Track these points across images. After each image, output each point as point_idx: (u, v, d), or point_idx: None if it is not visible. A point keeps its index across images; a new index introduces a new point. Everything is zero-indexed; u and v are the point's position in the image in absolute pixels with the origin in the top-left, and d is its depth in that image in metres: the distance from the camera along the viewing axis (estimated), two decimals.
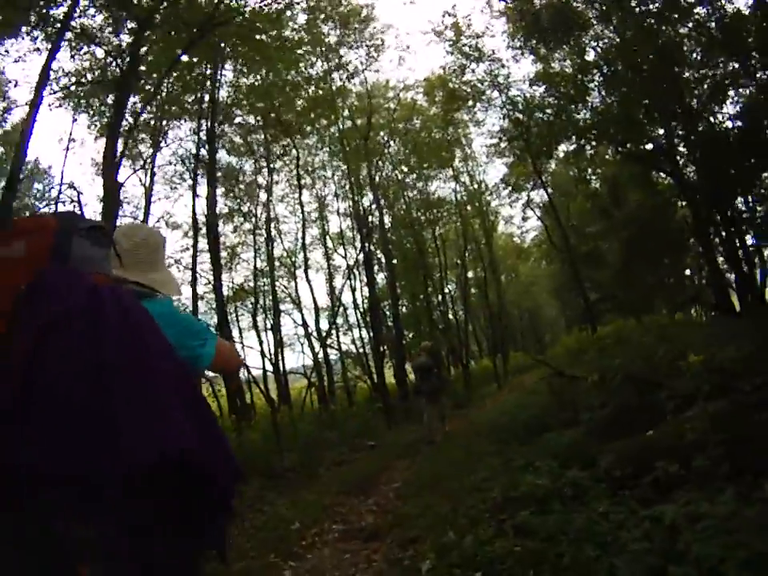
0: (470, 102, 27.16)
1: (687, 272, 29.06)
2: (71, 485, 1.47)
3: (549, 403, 10.60)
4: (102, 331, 1.62)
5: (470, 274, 39.10)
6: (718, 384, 6.63)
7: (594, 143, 23.81)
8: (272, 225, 26.78)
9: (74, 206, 14.23)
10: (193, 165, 20.77)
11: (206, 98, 19.90)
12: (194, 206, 20.29)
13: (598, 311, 28.86)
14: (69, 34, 14.44)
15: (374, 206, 26.44)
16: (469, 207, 35.79)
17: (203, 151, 20.61)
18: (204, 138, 20.35)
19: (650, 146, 21.75)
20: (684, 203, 22.66)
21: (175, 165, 22.33)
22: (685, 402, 6.77)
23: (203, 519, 1.77)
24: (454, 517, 5.94)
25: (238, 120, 23.23)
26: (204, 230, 21.05)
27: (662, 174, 23.20)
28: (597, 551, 3.89)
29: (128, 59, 13.20)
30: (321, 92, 24.05)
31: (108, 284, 1.84)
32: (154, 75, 15.53)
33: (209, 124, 19.94)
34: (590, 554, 3.87)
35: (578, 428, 7.92)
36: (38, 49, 13.97)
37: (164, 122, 20.62)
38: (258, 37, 18.03)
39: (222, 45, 18.50)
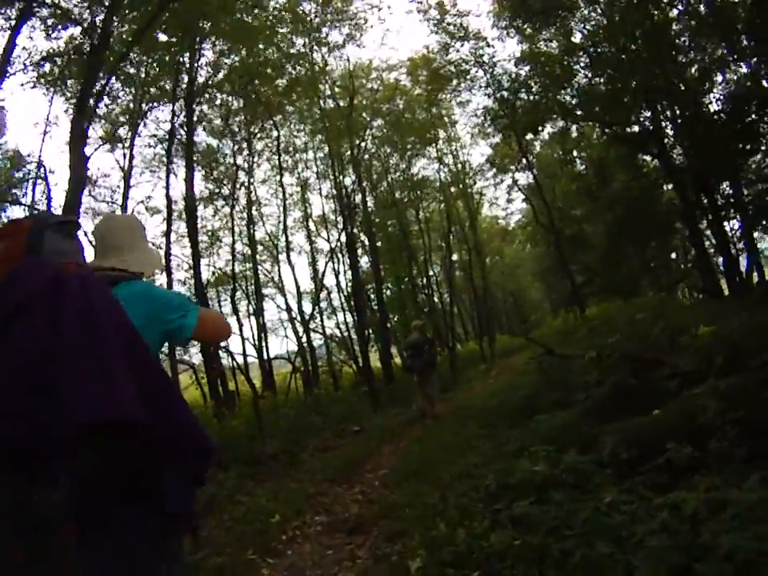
0: (454, 82, 26.83)
1: (673, 255, 29.09)
2: (24, 448, 1.61)
3: (539, 384, 10.16)
4: (60, 312, 1.75)
5: (455, 257, 38.86)
6: (725, 360, 6.21)
7: (579, 123, 23.65)
8: (253, 208, 26.44)
9: (44, 184, 13.75)
10: (167, 146, 20.10)
11: (185, 78, 19.24)
12: (167, 187, 19.67)
13: (583, 294, 28.59)
14: (45, 11, 13.95)
15: (356, 187, 25.92)
16: (453, 189, 35.37)
17: (183, 132, 20.03)
18: (183, 119, 19.74)
19: (636, 128, 21.59)
20: (670, 186, 22.64)
21: (154, 147, 21.71)
22: (688, 379, 6.37)
23: (166, 486, 1.87)
24: (444, 507, 5.49)
25: (218, 101, 22.61)
26: (182, 214, 20.67)
27: (648, 156, 23.05)
28: (610, 547, 3.43)
29: (99, 33, 12.59)
30: (302, 70, 23.45)
31: (76, 271, 1.95)
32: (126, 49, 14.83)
33: (187, 105, 19.30)
34: (602, 550, 3.42)
35: (572, 409, 7.46)
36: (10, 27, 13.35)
37: (143, 105, 20.03)
38: (237, 16, 17.71)
39: (201, 23, 17.95)
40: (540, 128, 22.26)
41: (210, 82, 20.85)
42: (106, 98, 18.29)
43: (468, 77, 26.11)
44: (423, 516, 5.55)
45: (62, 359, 1.68)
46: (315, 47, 24.13)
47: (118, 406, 1.67)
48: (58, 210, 12.65)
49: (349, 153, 25.48)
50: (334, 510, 7.23)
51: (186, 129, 19.60)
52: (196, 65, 19.56)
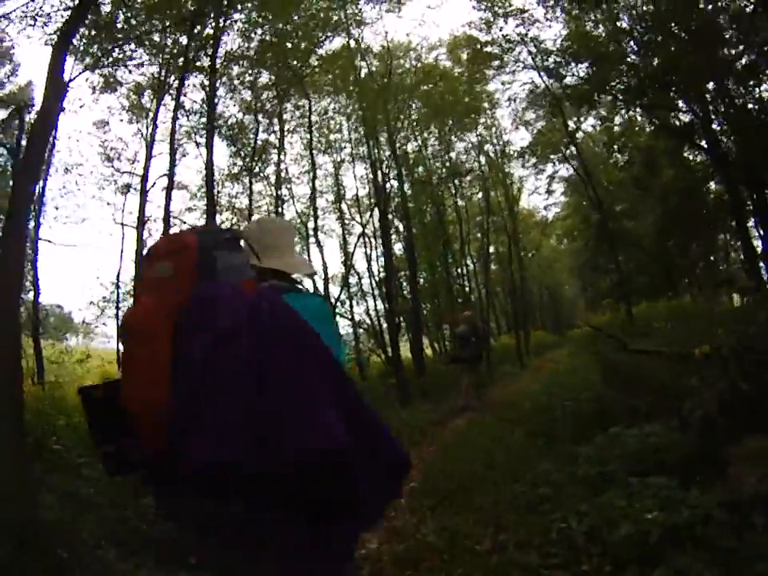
0: (496, 63, 25.73)
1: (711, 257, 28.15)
2: (231, 472, 1.65)
3: (604, 385, 8.30)
4: (262, 342, 1.78)
5: (491, 248, 37.53)
6: None
7: (627, 106, 22.44)
8: (283, 186, 25.26)
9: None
10: (172, 117, 18.91)
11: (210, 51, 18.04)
12: (172, 161, 18.33)
13: (619, 293, 27.10)
14: None
15: (392, 168, 24.80)
16: (490, 179, 34.03)
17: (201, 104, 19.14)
18: (206, 92, 18.62)
19: (685, 119, 20.98)
20: (717, 182, 22.19)
21: (178, 119, 20.50)
22: None
23: (358, 505, 1.85)
24: (503, 562, 3.75)
25: (248, 75, 21.40)
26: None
27: (696, 149, 22.21)
28: None
29: None
30: (337, 43, 22.96)
31: (259, 293, 2.00)
32: None
33: (211, 75, 18.06)
34: None
35: (662, 421, 5.66)
36: None
37: (170, 76, 18.96)
38: None
39: None
40: (595, 99, 20.72)
41: (240, 52, 19.67)
42: (130, 66, 18.04)
43: (512, 55, 25.08)
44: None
45: (269, 387, 1.72)
46: (351, 20, 22.74)
47: (331, 439, 1.70)
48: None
49: (386, 134, 24.42)
50: None
51: (206, 102, 18.39)
52: (221, 35, 18.35)
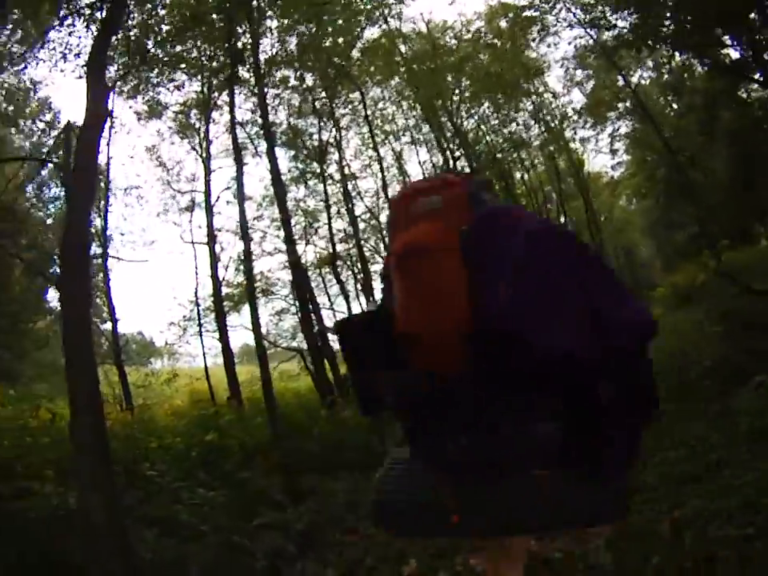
0: (537, 26, 24.89)
1: None
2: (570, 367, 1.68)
3: (728, 337, 7.67)
4: (566, 245, 1.87)
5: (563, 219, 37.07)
6: None
7: (677, 48, 21.66)
8: (349, 183, 24.87)
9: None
10: (232, 132, 18.87)
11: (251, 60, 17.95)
12: (239, 176, 18.32)
13: (694, 248, 26.22)
14: None
15: (459, 152, 24.99)
16: (553, 146, 33.51)
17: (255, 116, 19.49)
18: (255, 103, 18.98)
19: (736, 55, 19.69)
20: None
21: (230, 133, 20.55)
22: None
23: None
24: (697, 543, 3.27)
25: (291, 79, 21.37)
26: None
27: (753, 83, 20.93)
28: None
29: None
30: (375, 33, 22.69)
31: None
32: None
33: (258, 85, 18.01)
34: None
35: None
36: None
37: (214, 92, 18.93)
38: None
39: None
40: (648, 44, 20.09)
41: (280, 57, 19.59)
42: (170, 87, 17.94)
43: (552, 13, 24.03)
44: None
45: (595, 285, 1.77)
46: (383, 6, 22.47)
47: (654, 324, 1.77)
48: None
49: (445, 115, 24.83)
50: None
51: (260, 113, 18.40)
52: (260, 41, 18.29)
